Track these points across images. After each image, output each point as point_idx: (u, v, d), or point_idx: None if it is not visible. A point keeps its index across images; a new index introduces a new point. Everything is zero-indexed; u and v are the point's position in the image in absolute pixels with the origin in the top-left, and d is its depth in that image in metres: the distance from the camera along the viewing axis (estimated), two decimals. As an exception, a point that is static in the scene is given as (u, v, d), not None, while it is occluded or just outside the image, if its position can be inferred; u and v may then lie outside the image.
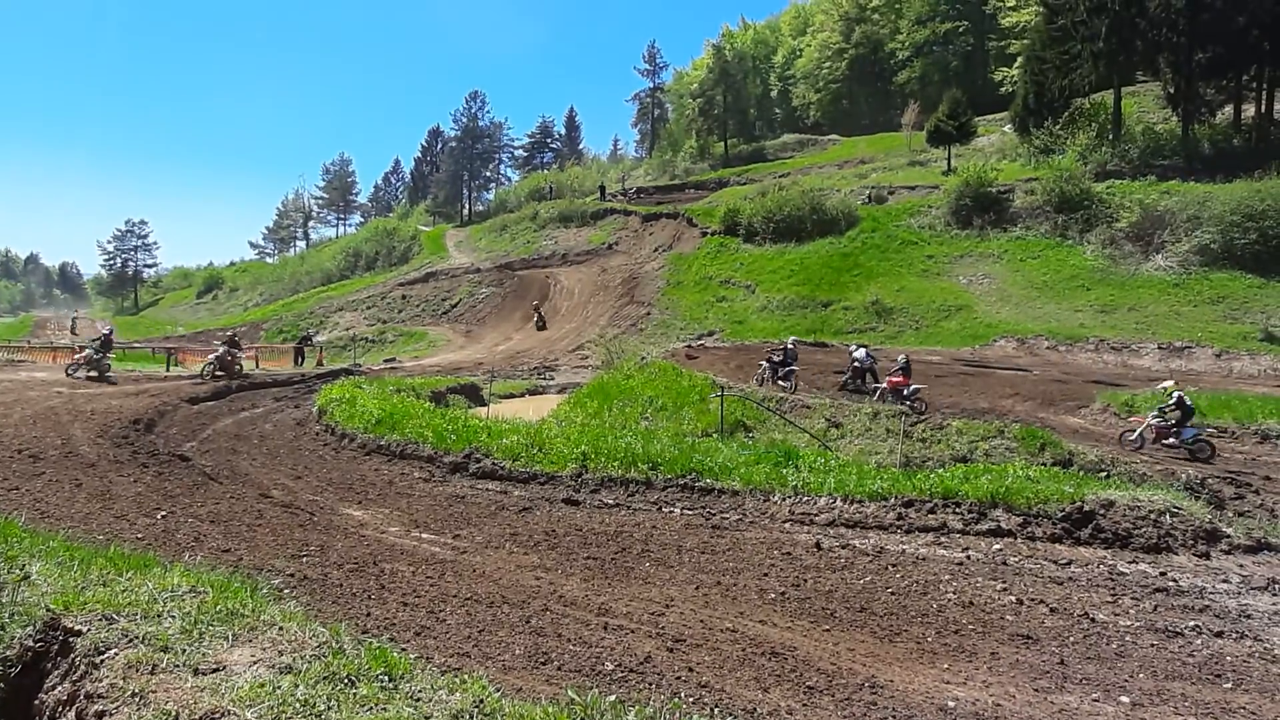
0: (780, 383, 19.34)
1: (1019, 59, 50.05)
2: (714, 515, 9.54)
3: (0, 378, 19.18)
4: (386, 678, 3.03)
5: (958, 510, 8.93)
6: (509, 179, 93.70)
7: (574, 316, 41.40)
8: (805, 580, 7.27)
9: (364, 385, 18.85)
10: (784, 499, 9.75)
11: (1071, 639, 6.09)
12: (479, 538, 8.86)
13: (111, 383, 19.48)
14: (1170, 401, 14.48)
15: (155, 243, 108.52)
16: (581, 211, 58.94)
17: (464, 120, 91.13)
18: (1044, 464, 11.98)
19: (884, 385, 18.15)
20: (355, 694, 2.83)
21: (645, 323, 37.44)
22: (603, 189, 65.76)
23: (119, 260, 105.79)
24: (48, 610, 3.42)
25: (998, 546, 8.29)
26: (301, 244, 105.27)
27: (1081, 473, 11.46)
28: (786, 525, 9.17)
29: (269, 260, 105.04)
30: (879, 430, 14.98)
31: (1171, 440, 14.21)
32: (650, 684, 5.17)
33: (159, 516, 9.15)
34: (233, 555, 7.57)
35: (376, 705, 2.76)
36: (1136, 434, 14.65)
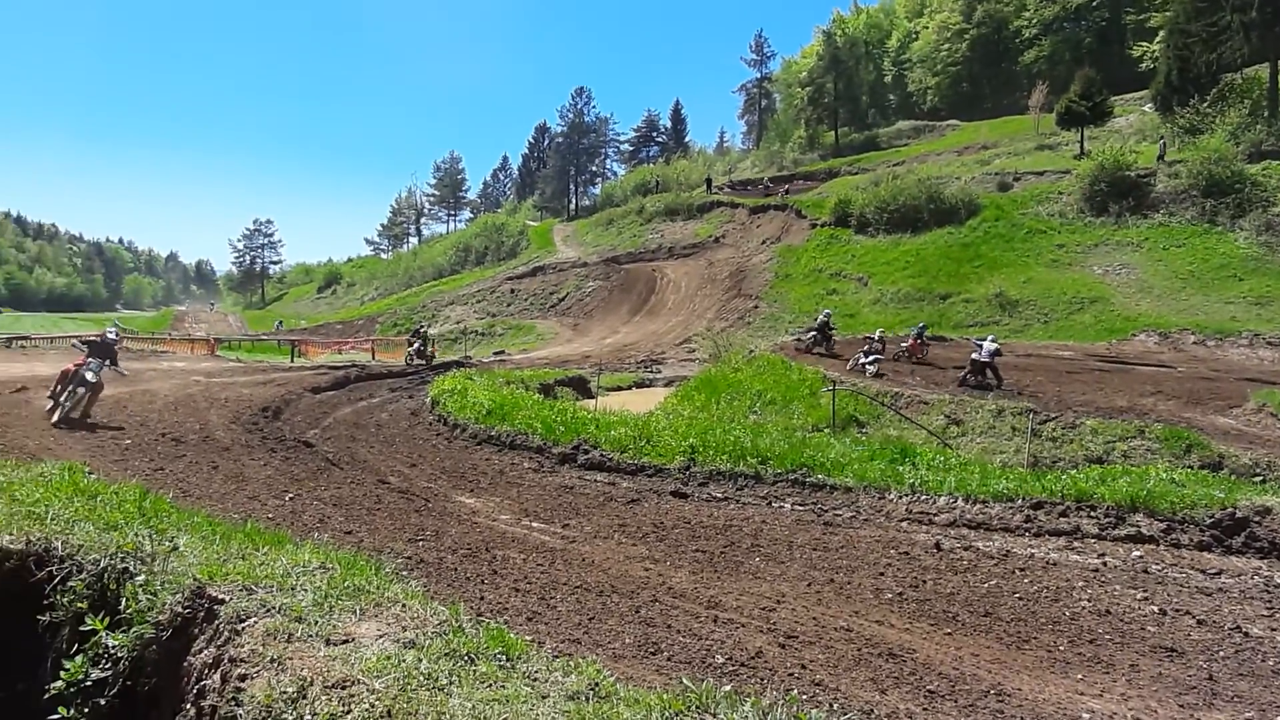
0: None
1: (1160, 33, 46.41)
2: (826, 511, 9.29)
3: (145, 367, 20.90)
4: (504, 657, 3.06)
5: (1093, 514, 8.35)
6: (615, 173, 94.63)
7: (680, 310, 41.38)
8: (924, 581, 6.97)
9: (475, 377, 19.35)
10: (900, 497, 9.39)
11: (1221, 653, 5.57)
12: (588, 528, 8.94)
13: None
14: None
15: (280, 240, 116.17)
16: (688, 204, 58.81)
17: (570, 116, 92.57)
18: (1190, 467, 11.05)
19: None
20: (475, 670, 2.87)
21: (753, 316, 36.99)
22: (709, 182, 65.39)
23: (248, 257, 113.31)
24: (194, 579, 3.64)
25: (1138, 553, 7.68)
26: (414, 240, 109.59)
27: (1233, 477, 10.52)
28: (903, 524, 8.82)
29: (383, 256, 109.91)
30: (1003, 428, 14.22)
31: None
32: (762, 679, 5.06)
33: (287, 498, 9.67)
34: (354, 537, 7.90)
35: (495, 682, 2.79)
36: None
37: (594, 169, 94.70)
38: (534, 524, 9.11)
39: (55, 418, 12.33)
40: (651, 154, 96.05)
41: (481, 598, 6.50)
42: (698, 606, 6.47)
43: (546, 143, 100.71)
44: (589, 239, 63.16)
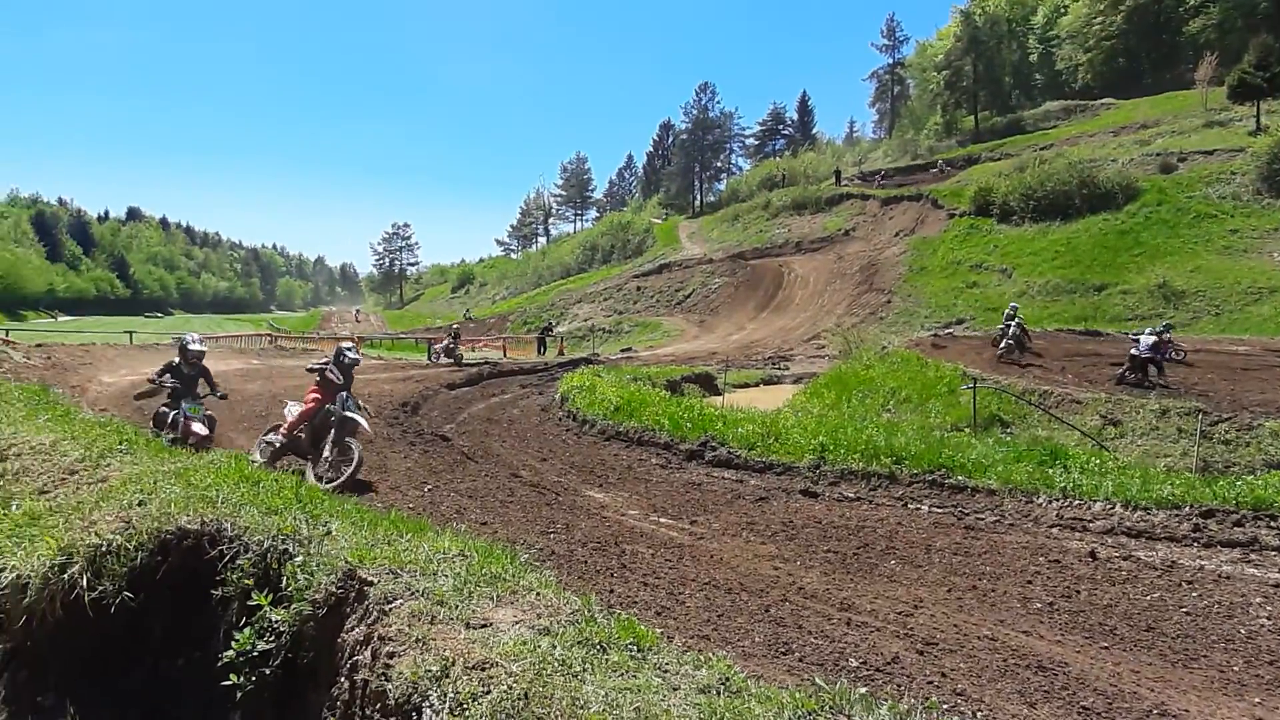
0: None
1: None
2: (967, 515, 8.82)
3: (296, 365, 22.50)
4: (635, 648, 3.09)
5: (1273, 524, 7.51)
6: (740, 168, 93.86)
7: (809, 305, 40.55)
8: (1077, 591, 6.49)
9: (602, 374, 19.58)
10: (1050, 501, 8.77)
11: None
12: (716, 525, 8.88)
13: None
14: None
15: (417, 243, 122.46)
16: (815, 198, 57.48)
17: (694, 112, 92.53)
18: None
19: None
20: (607, 659, 2.91)
21: (885, 311, 35.74)
22: (838, 174, 63.68)
23: (387, 260, 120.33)
24: (346, 562, 3.87)
25: (1329, 572, 6.85)
26: (542, 240, 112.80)
27: None
28: (1053, 530, 8.24)
29: (513, 256, 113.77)
30: (1168, 430, 13.04)
31: None
32: (899, 685, 4.87)
33: (426, 489, 10.14)
34: (489, 528, 8.18)
35: (627, 672, 2.81)
36: None
37: (719, 165, 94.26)
38: (662, 520, 9.14)
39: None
40: (777, 147, 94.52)
41: (610, 590, 6.58)
42: (830, 608, 6.30)
43: (671, 140, 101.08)
44: (714, 235, 62.91)
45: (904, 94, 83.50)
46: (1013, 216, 39.05)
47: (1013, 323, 21.16)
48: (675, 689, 2.73)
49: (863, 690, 2.88)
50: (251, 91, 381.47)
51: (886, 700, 2.81)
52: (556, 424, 15.41)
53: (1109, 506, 8.33)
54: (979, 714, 4.49)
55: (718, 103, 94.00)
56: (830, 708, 2.67)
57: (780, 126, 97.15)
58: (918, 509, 9.13)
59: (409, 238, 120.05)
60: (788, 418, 13.18)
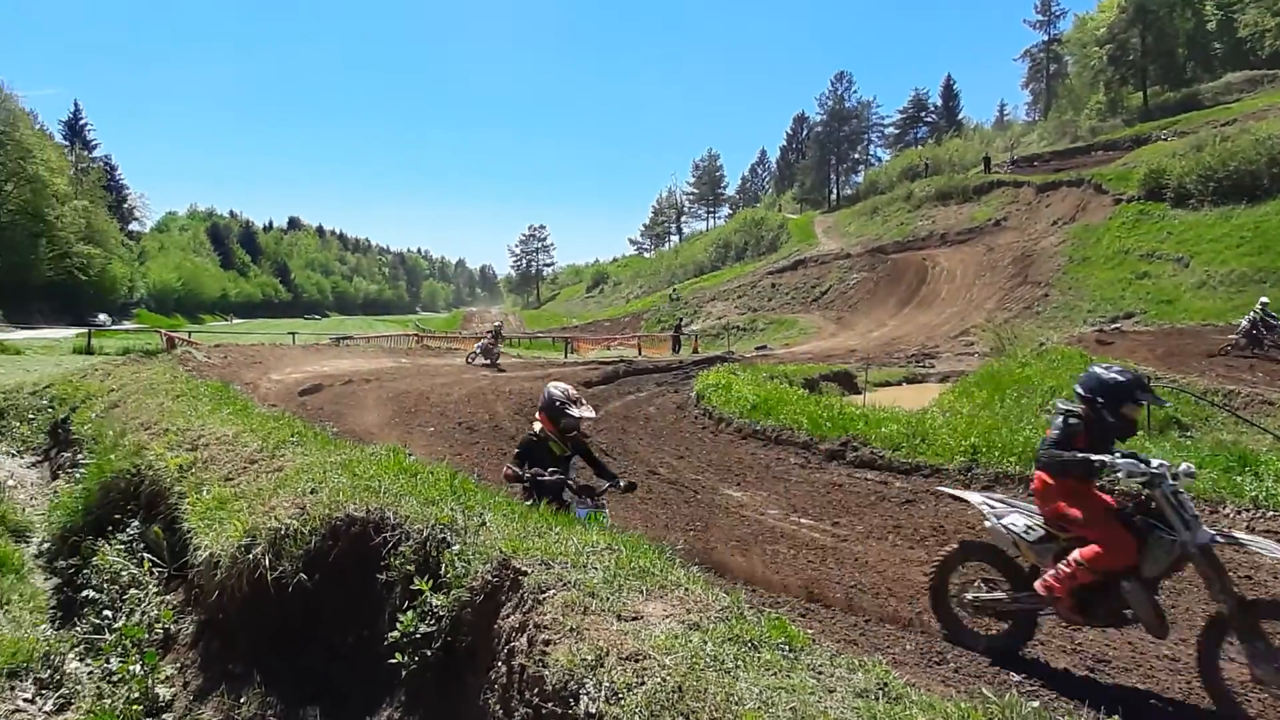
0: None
1: None
2: (1140, 525, 8.10)
3: (441, 364, 23.67)
4: (787, 648, 3.04)
5: None
6: (879, 159, 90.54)
7: (955, 300, 38.61)
8: (1274, 612, 5.81)
9: (738, 372, 19.42)
10: (1238, 512, 7.93)
11: None
12: (859, 527, 8.62)
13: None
14: None
15: (552, 244, 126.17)
16: (962, 187, 54.52)
17: (829, 103, 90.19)
18: None
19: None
20: (759, 657, 2.88)
21: (1042, 305, 33.45)
22: (987, 160, 60.14)
23: (524, 261, 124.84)
24: (500, 552, 4.02)
25: None
26: (675, 238, 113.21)
27: None
28: (1245, 544, 7.43)
29: (646, 255, 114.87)
30: (1387, 435, 11.47)
31: None
32: (1068, 702, 4.53)
33: (566, 487, 10.44)
34: (629, 524, 8.29)
35: (780, 671, 2.77)
36: None
37: (856, 156, 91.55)
38: (802, 520, 8.97)
39: None
40: (919, 136, 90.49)
41: (752, 590, 6.51)
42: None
43: (805, 133, 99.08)
44: (851, 229, 61.08)
45: (1061, 72, 77.88)
46: (1189, 200, 35.47)
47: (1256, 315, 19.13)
48: (831, 691, 2.66)
49: (1036, 704, 2.70)
50: (395, 105, 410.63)
51: (1065, 717, 2.62)
52: (692, 422, 15.42)
53: (1314, 518, 7.43)
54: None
55: (854, 92, 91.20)
56: (999, 720, 2.51)
57: (922, 114, 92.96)
58: (1083, 516, 8.48)
59: (545, 239, 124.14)
60: (935, 418, 12.57)
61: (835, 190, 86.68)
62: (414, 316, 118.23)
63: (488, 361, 23.22)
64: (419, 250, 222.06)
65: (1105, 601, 4.46)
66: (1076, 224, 40.01)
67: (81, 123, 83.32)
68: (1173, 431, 12.73)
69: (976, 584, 5.24)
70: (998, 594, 5.12)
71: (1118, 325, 26.99)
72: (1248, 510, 7.92)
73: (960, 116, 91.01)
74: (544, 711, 2.80)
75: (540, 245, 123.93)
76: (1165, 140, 46.71)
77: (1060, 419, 4.85)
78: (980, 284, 39.43)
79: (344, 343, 34.94)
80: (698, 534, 8.41)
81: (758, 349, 34.97)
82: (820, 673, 2.83)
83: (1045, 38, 79.43)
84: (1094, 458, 4.44)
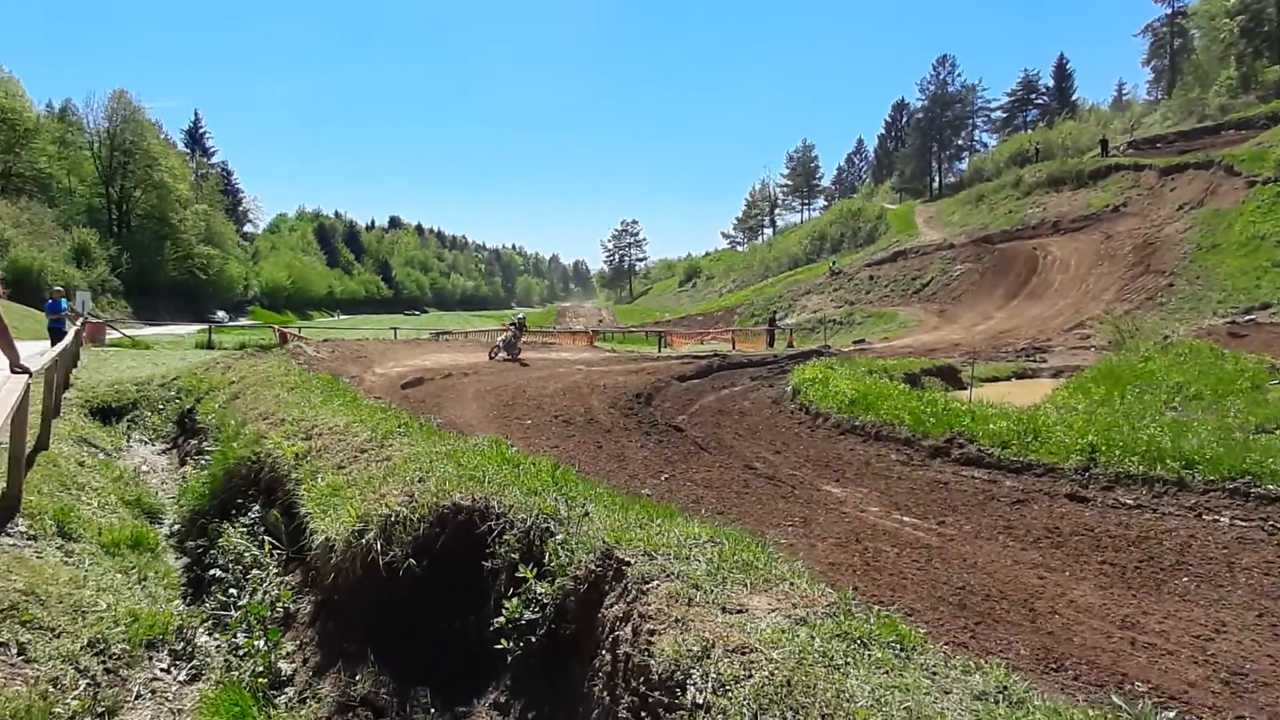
0: None
1: None
2: (1282, 530, 7.48)
3: (538, 357, 24.04)
4: (898, 646, 2.95)
5: None
6: (984, 145, 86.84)
7: (1069, 291, 36.65)
8: None
9: (835, 366, 19.02)
10: None
11: None
12: (967, 527, 8.28)
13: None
14: None
15: (644, 239, 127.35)
16: (1077, 171, 51.64)
17: (931, 88, 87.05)
18: None
19: None
20: (869, 655, 2.80)
21: (1166, 295, 31.34)
22: (1104, 143, 56.70)
23: (617, 256, 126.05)
24: (603, 542, 4.05)
25: None
26: (769, 231, 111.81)
27: None
28: None
29: (739, 249, 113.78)
30: None
31: None
32: (1200, 717, 4.23)
33: (662, 478, 10.36)
34: (726, 518, 8.18)
35: (892, 670, 2.70)
36: None
37: (959, 143, 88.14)
38: (905, 518, 8.68)
39: None
40: (1029, 119, 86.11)
41: (855, 589, 6.32)
42: (1108, 625, 5.64)
43: (905, 120, 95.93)
44: (955, 218, 58.76)
45: (1186, 47, 72.64)
46: (1336, 179, 32.57)
47: None
48: (947, 692, 2.56)
49: (1172, 713, 2.52)
50: (490, 106, 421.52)
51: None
52: (788, 416, 15.19)
53: None
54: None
55: (958, 76, 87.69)
56: (1131, 729, 2.36)
57: (1032, 95, 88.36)
58: (1216, 520, 7.89)
59: (637, 234, 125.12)
60: (1049, 414, 11.95)
61: (937, 179, 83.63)
62: (510, 312, 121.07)
63: (510, 356, 22.37)
64: (514, 246, 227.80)
65: None
66: (1205, 209, 37.28)
67: (201, 131, 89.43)
68: (1319, 431, 11.67)
69: None
70: None
71: (1253, 317, 24.97)
72: None
73: (1074, 97, 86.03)
74: (650, 700, 2.80)
75: (633, 240, 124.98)
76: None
77: None
78: (1097, 274, 37.28)
79: (443, 337, 36.06)
80: (796, 530, 8.25)
81: (855, 343, 34.16)
82: (934, 673, 2.74)
83: (1169, 10, 74.55)
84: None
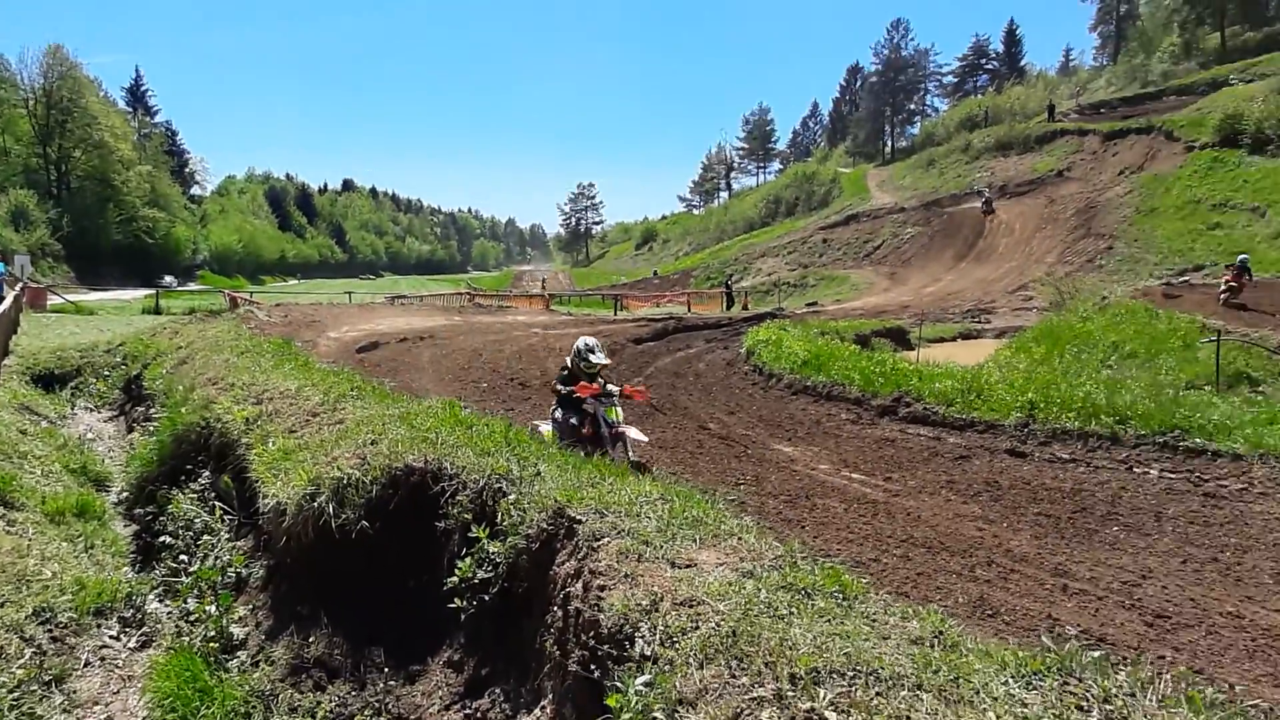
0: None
1: None
2: (1206, 481, 7.87)
3: (493, 320, 23.92)
4: (841, 596, 3.05)
5: None
6: (936, 110, 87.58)
7: (1014, 254, 37.48)
8: (1352, 573, 5.62)
9: (788, 328, 19.29)
10: (1308, 465, 7.66)
11: None
12: (911, 482, 8.56)
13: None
14: None
15: (601, 202, 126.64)
16: (1024, 136, 52.53)
17: (885, 52, 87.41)
18: None
19: None
20: (813, 604, 2.90)
21: (1106, 258, 32.25)
22: (1051, 108, 57.60)
23: (573, 219, 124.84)
24: (555, 501, 4.10)
25: None
26: (724, 194, 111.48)
27: None
28: (1320, 503, 7.17)
29: (695, 212, 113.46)
30: None
31: None
32: (1125, 658, 4.48)
33: (616, 440, 10.58)
34: (680, 478, 8.33)
35: (834, 618, 2.79)
36: None
37: (912, 107, 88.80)
38: (854, 475, 8.93)
39: None
40: (980, 84, 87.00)
41: (803, 543, 6.53)
42: (1041, 573, 5.93)
43: (859, 84, 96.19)
44: (906, 182, 59.41)
45: (1132, 13, 73.85)
46: (1268, 146, 33.56)
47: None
48: (886, 638, 2.66)
49: (1097, 653, 2.66)
50: (444, 68, 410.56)
51: (1125, 667, 2.58)
52: (742, 378, 15.40)
53: (1398, 477, 7.13)
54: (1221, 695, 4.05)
55: (911, 40, 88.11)
56: (1059, 670, 2.49)
57: (983, 61, 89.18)
58: (1145, 473, 8.28)
59: (594, 197, 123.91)
60: (991, 373, 12.32)
61: (890, 143, 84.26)
62: (466, 275, 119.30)
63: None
64: (470, 210, 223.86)
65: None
66: (1145, 173, 38.29)
67: (143, 89, 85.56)
68: (1243, 387, 12.26)
69: None
70: None
71: (1186, 278, 25.90)
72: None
73: (1023, 63, 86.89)
74: (599, 654, 2.86)
75: (589, 203, 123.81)
76: (1244, 84, 44.05)
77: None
78: (1040, 237, 38.16)
79: (398, 301, 35.52)
80: (748, 488, 8.44)
81: (808, 305, 34.55)
82: (875, 620, 2.84)
83: (1116, -23, 75.25)
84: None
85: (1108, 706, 2.28)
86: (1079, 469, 8.60)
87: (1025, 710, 2.23)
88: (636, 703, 2.47)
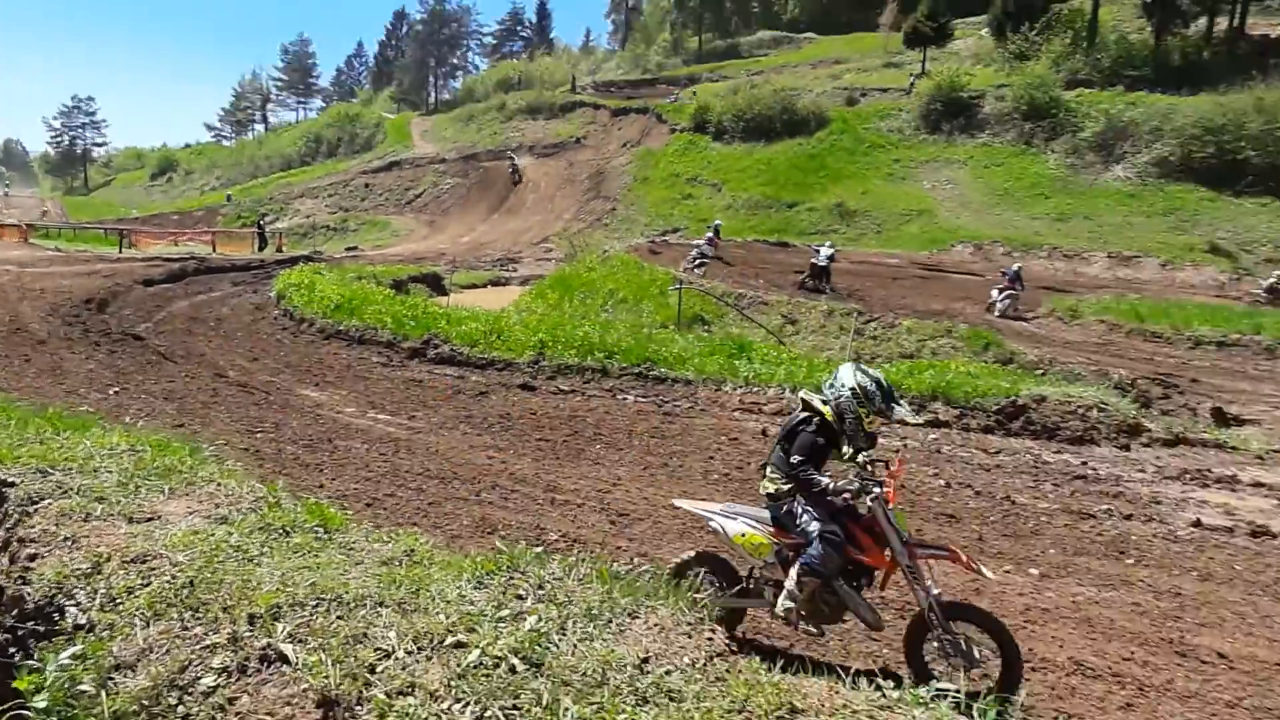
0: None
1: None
2: (667, 403, 9.74)
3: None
4: (321, 530, 3.14)
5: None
6: (476, 68, 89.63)
7: (539, 210, 40.66)
8: (749, 463, 7.51)
9: (323, 271, 18.67)
10: (735, 389, 10.00)
11: (992, 518, 6.45)
12: (434, 419, 9.01)
13: None
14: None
15: (105, 121, 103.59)
16: (550, 104, 56.81)
17: (430, 3, 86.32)
18: (986, 362, 12.34)
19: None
20: (289, 542, 2.94)
21: (610, 218, 36.94)
22: (574, 81, 63.26)
23: (66, 138, 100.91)
24: (-29, 463, 3.46)
25: (934, 436, 8.62)
26: (260, 128, 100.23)
27: (1020, 371, 11.87)
28: (736, 413, 9.41)
29: (226, 143, 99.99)
30: (832, 328, 15.26)
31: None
32: (590, 550, 5.40)
33: (111, 392, 9.23)
34: (187, 430, 7.64)
35: (309, 552, 2.87)
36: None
37: (455, 61, 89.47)
38: (380, 416, 9.09)
39: None
40: (515, 49, 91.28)
41: (320, 486, 6.52)
42: (537, 490, 6.76)
43: (405, 30, 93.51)
44: (448, 134, 60.02)
45: (638, 8, 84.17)
46: (725, 135, 41.80)
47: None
48: (359, 563, 2.84)
49: (539, 549, 3.20)
50: None
51: (557, 557, 3.15)
52: (271, 323, 14.62)
53: (781, 391, 9.69)
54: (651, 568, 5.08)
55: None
56: (508, 567, 2.94)
57: (519, 28, 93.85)
58: (625, 399, 9.90)
59: (94, 114, 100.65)
60: (511, 316, 13.46)
61: (434, 94, 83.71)
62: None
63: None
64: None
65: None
66: (641, 148, 44.53)
67: None
68: (698, 327, 15.34)
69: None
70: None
71: (666, 237, 30.94)
72: (741, 388, 10.02)
73: (552, 36, 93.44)
74: (20, 633, 2.53)
75: (89, 120, 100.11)
76: (713, 82, 53.74)
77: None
78: (561, 195, 42.03)
79: None
80: (266, 435, 8.06)
81: (348, 249, 33.27)
82: (352, 549, 3.00)
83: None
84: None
85: (540, 591, 2.75)
86: (575, 398, 9.94)
87: (473, 607, 2.56)
88: (57, 681, 2.23)
